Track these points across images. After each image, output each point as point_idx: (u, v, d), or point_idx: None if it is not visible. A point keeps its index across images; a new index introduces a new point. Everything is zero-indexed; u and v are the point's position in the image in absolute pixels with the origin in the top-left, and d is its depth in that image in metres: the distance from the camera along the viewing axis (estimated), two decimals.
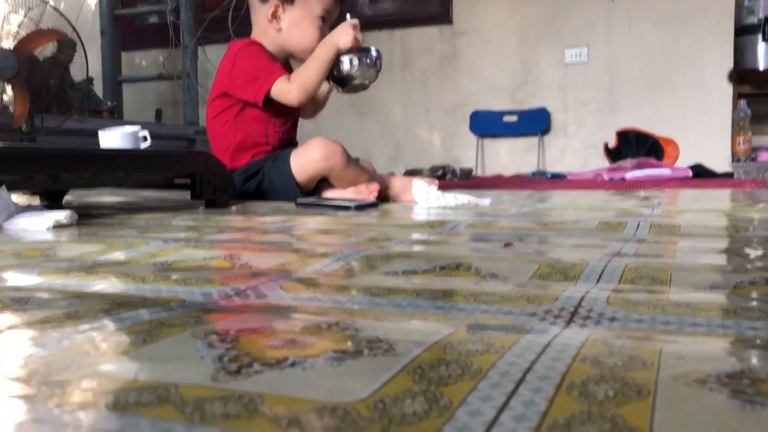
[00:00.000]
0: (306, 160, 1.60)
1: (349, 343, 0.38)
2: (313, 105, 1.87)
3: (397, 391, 0.31)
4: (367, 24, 4.57)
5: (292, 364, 0.34)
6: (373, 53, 1.67)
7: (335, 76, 1.67)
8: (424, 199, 1.56)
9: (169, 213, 1.34)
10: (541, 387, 0.31)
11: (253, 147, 1.72)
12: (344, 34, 1.62)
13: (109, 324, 0.43)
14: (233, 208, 1.48)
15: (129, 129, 1.56)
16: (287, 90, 1.63)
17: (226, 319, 0.45)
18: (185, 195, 1.51)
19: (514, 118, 3.92)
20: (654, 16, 3.57)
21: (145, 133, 1.57)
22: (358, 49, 1.64)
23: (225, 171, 1.51)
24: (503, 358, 0.35)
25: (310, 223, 1.13)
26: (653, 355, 0.36)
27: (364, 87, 1.71)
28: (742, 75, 2.50)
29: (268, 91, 1.64)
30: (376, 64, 1.68)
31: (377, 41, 4.13)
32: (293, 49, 1.76)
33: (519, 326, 0.43)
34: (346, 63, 1.64)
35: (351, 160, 1.62)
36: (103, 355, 0.37)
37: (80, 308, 0.48)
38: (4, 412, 0.29)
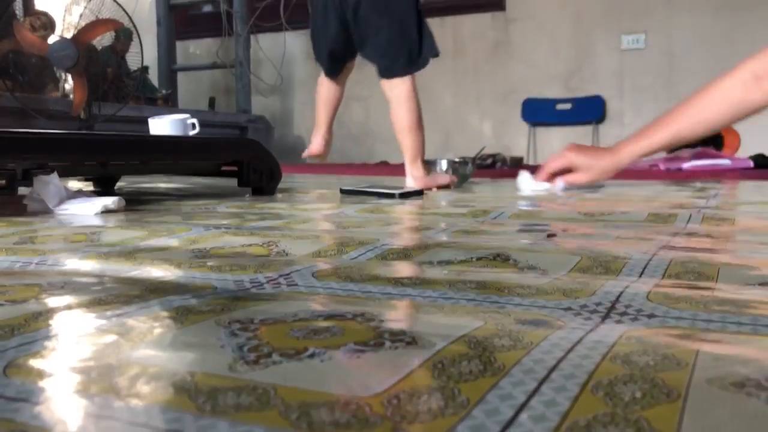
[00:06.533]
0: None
1: (371, 335, 0.37)
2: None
3: (413, 387, 0.30)
4: None
5: (311, 356, 0.34)
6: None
7: None
8: (526, 187, 1.51)
9: (215, 200, 1.36)
10: (565, 386, 0.30)
11: None
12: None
13: (137, 310, 0.44)
14: (279, 195, 1.49)
15: (178, 116, 1.58)
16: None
17: (252, 307, 0.44)
18: (233, 182, 1.52)
19: (567, 106, 3.84)
20: (716, 1, 3.44)
21: (194, 120, 1.59)
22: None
23: (272, 159, 1.52)
24: (529, 355, 0.34)
25: (352, 211, 1.13)
26: (689, 355, 0.34)
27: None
28: None
29: None
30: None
31: None
32: None
33: (551, 321, 0.41)
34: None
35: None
36: (126, 341, 0.37)
37: (112, 294, 0.49)
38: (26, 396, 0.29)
